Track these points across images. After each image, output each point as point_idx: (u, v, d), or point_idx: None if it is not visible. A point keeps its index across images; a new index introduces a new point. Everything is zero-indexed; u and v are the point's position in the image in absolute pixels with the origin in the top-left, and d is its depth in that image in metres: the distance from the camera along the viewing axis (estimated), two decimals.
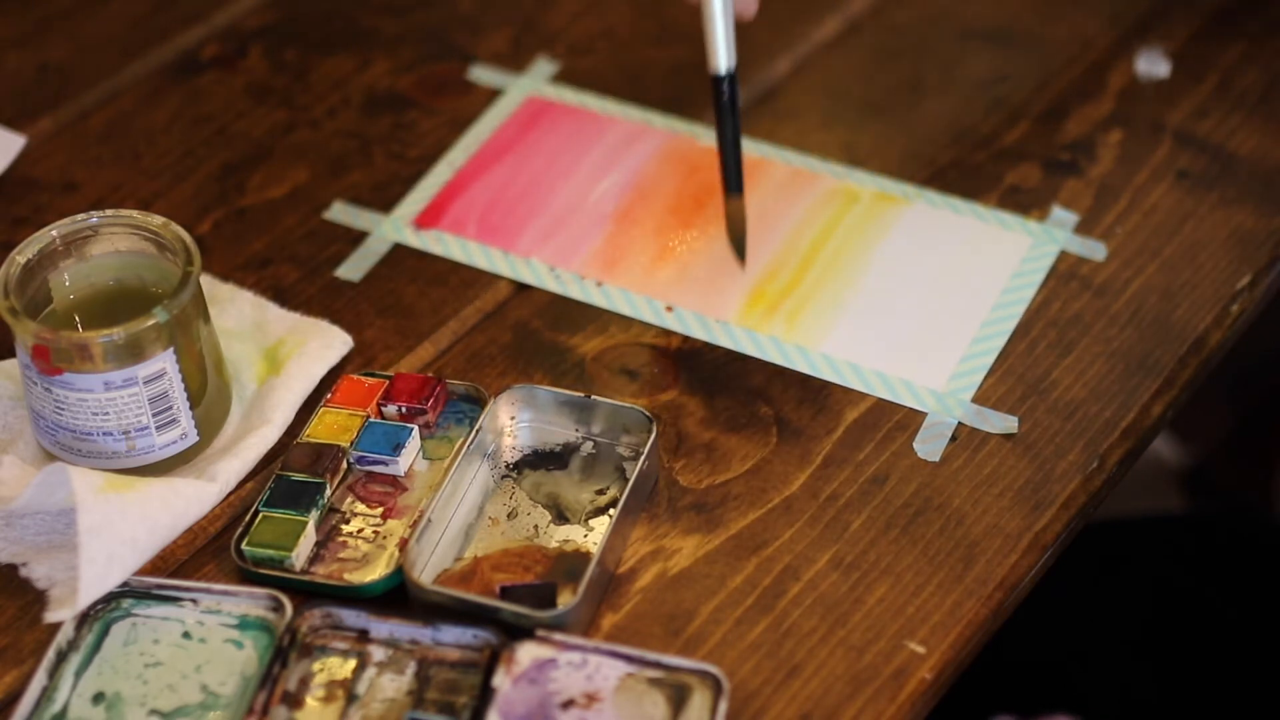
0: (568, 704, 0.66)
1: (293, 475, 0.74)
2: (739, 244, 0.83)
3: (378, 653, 0.69)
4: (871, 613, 0.71)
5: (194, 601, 0.70)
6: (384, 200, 0.89)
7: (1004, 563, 0.73)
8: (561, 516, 0.74)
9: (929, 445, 0.77)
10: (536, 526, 0.74)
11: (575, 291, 0.84)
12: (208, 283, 0.83)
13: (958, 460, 0.77)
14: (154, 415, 0.73)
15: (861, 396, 0.79)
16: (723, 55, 0.81)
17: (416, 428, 0.76)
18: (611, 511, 0.74)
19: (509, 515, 0.74)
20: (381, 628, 0.69)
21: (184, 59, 0.98)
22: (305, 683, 0.68)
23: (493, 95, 0.95)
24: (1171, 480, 1.53)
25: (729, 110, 0.81)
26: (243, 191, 0.90)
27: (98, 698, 0.68)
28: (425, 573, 0.71)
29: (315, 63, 0.98)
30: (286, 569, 0.71)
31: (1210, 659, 1.03)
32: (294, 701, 0.67)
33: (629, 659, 0.67)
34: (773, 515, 0.74)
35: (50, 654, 0.68)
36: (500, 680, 0.66)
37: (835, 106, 0.94)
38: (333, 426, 0.76)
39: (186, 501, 0.72)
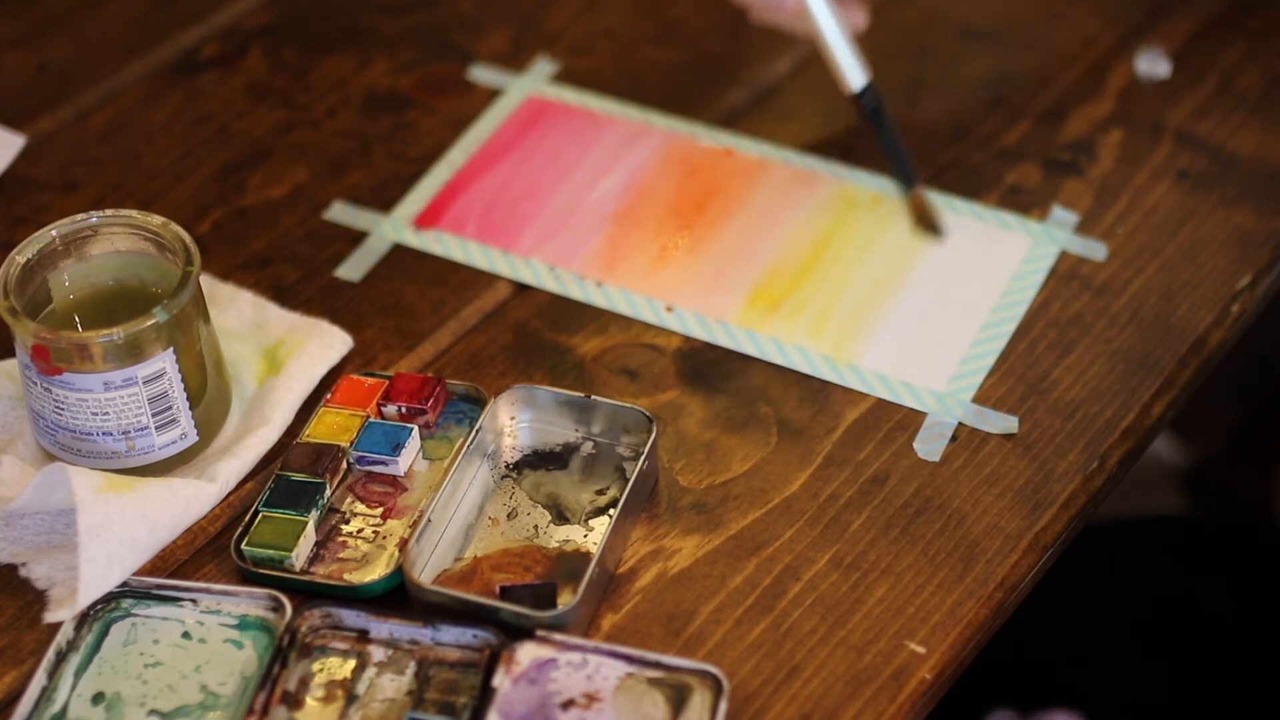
0: (568, 704, 0.66)
1: (293, 475, 0.74)
2: (933, 226, 0.85)
3: (377, 653, 0.69)
4: (871, 613, 0.71)
5: (194, 601, 0.70)
6: (384, 200, 0.89)
7: (1004, 563, 0.73)
8: (561, 516, 0.74)
9: (929, 445, 0.77)
10: (536, 526, 0.74)
11: (575, 291, 0.84)
12: (207, 283, 0.82)
13: (958, 460, 0.77)
14: (154, 415, 0.73)
15: (861, 397, 0.79)
16: (854, 72, 0.83)
17: (416, 428, 0.76)
18: (611, 511, 0.74)
19: (509, 515, 0.74)
20: (381, 628, 0.69)
21: (184, 59, 0.98)
22: (305, 683, 0.68)
23: (493, 95, 0.95)
24: (1171, 480, 1.53)
25: (879, 119, 0.83)
26: (243, 191, 0.90)
27: (97, 698, 0.68)
28: (425, 573, 0.71)
29: (315, 63, 0.98)
30: (286, 569, 0.71)
31: (1209, 659, 1.03)
32: (294, 702, 0.67)
33: (629, 659, 0.67)
34: (773, 515, 0.74)
35: (50, 654, 0.68)
36: (500, 680, 0.66)
37: (835, 106, 0.94)
38: (333, 426, 0.76)
39: (186, 501, 0.72)
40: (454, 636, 0.68)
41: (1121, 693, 1.01)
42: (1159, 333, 0.82)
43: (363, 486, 0.75)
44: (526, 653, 0.67)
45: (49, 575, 0.71)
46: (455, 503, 0.74)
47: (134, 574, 0.71)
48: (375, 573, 0.71)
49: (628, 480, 0.73)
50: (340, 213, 0.89)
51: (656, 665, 0.67)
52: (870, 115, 0.83)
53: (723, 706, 0.66)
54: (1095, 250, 0.86)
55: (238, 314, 0.82)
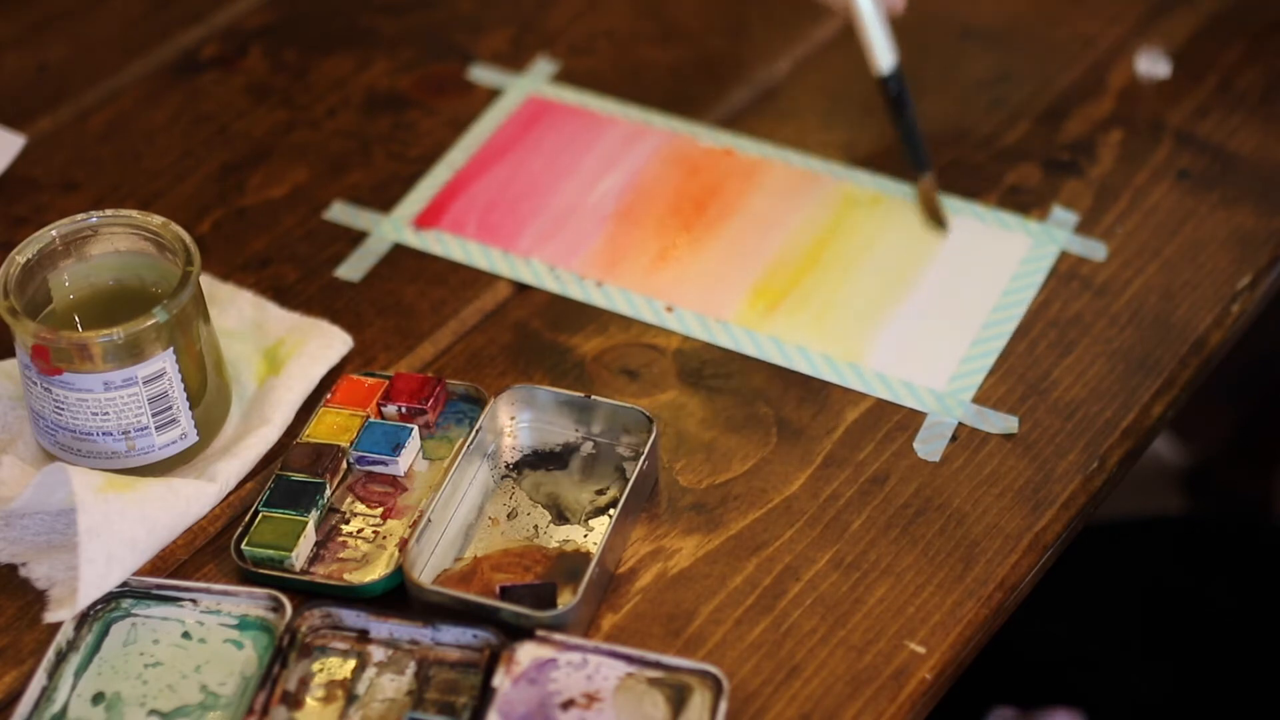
0: (568, 704, 0.66)
1: (293, 475, 0.74)
2: (936, 217, 0.87)
3: (377, 653, 0.69)
4: (871, 613, 0.71)
5: (194, 601, 0.70)
6: (384, 200, 0.89)
7: (1004, 563, 0.73)
8: (561, 516, 0.74)
9: (929, 445, 0.77)
10: (536, 526, 0.74)
11: (575, 291, 0.84)
12: (207, 283, 0.83)
13: (958, 460, 0.77)
14: (154, 415, 0.73)
15: (861, 396, 0.79)
16: (884, 54, 0.87)
17: (416, 428, 0.76)
18: (611, 511, 0.74)
19: (509, 515, 0.74)
20: (381, 628, 0.69)
21: (184, 59, 0.98)
22: (305, 683, 0.68)
23: (493, 95, 0.95)
24: (1171, 480, 1.53)
25: (902, 104, 0.87)
26: (243, 191, 0.90)
27: (97, 698, 0.68)
28: (425, 573, 0.71)
29: (315, 63, 0.98)
30: (286, 569, 0.71)
31: (1209, 659, 1.03)
32: (294, 702, 0.67)
33: (629, 659, 0.67)
34: (773, 515, 0.74)
35: (50, 654, 0.68)
36: (500, 680, 0.66)
37: (835, 106, 0.94)
38: (333, 426, 0.76)
39: (186, 501, 0.72)
40: (454, 636, 0.68)
41: (1122, 693, 1.01)
42: (1159, 333, 0.82)
43: (363, 486, 0.75)
44: (526, 653, 0.67)
45: (49, 575, 0.71)
46: (455, 503, 0.74)
47: (134, 574, 0.71)
48: (375, 573, 0.71)
49: (628, 480, 0.73)
50: (340, 213, 0.89)
51: (656, 665, 0.67)
52: (894, 100, 0.87)
53: (723, 706, 0.66)
54: (1095, 250, 0.86)
55: (238, 314, 0.82)
